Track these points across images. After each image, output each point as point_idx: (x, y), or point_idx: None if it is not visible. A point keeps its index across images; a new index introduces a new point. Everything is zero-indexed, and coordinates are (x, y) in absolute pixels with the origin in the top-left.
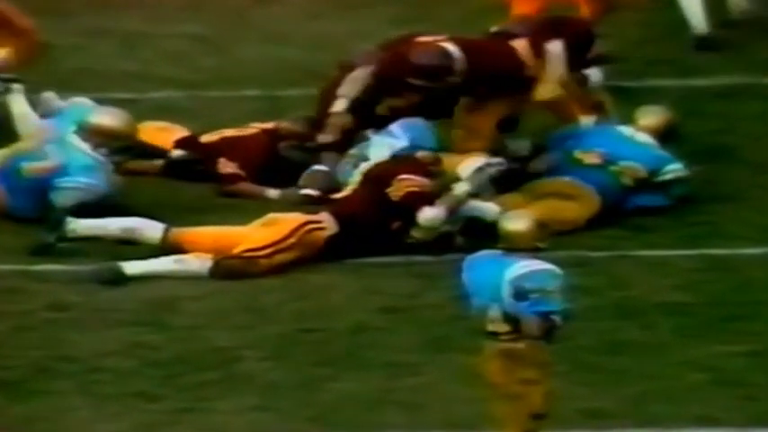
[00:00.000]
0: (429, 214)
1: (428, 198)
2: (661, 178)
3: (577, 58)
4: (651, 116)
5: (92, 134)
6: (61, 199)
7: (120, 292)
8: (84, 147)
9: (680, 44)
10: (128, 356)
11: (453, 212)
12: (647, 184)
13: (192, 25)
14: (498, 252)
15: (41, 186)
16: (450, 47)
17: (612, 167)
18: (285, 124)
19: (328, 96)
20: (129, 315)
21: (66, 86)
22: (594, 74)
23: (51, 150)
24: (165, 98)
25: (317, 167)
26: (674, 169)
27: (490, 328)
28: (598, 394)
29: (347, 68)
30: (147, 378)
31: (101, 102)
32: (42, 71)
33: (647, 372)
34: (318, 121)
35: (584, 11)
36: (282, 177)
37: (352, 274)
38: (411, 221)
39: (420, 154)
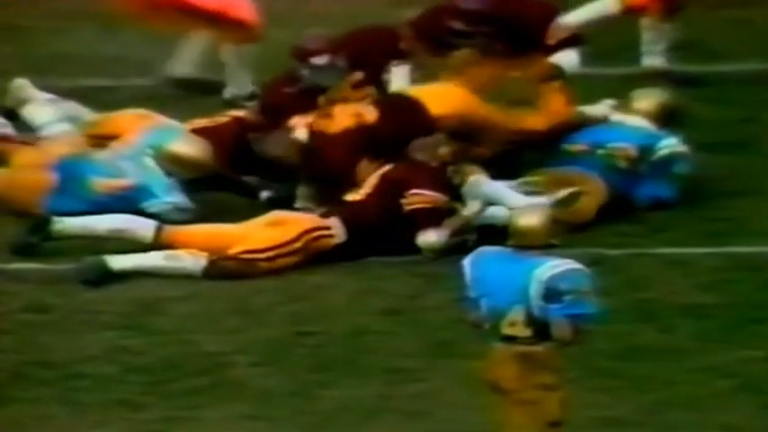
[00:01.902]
0: (429, 238)
1: (436, 217)
2: (657, 156)
3: (531, 44)
4: (646, 99)
5: (166, 161)
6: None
7: (102, 293)
8: (158, 170)
9: (705, 29)
10: (110, 362)
11: (460, 232)
12: (648, 165)
13: None
14: (507, 249)
15: (109, 203)
16: (299, 134)
17: (600, 151)
18: (247, 113)
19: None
20: (112, 317)
21: (42, 73)
22: (569, 60)
23: (127, 167)
24: (146, 85)
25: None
26: (669, 144)
27: (508, 331)
28: (615, 401)
29: (298, 52)
30: (131, 385)
31: (76, 89)
32: (16, 56)
33: (667, 378)
34: (264, 111)
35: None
36: (256, 166)
37: (350, 275)
38: None
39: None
